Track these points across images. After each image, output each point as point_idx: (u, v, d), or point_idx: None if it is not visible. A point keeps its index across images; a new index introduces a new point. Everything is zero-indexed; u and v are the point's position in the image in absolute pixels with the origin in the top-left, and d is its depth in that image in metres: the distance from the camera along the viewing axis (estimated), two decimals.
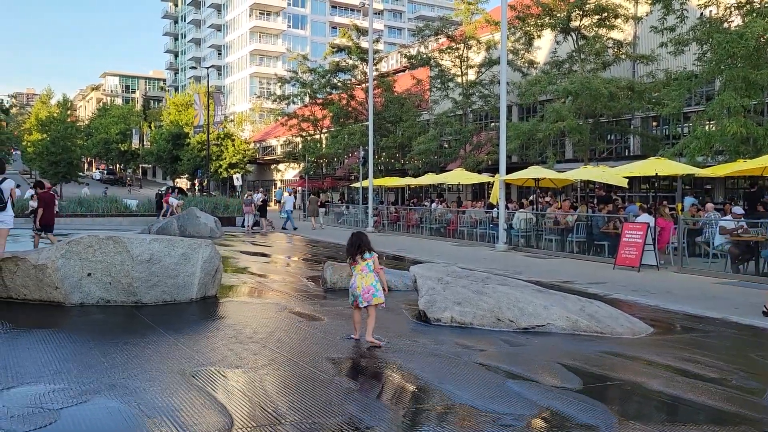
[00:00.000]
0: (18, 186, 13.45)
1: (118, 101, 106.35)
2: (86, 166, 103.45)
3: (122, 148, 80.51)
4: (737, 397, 4.94)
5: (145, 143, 76.98)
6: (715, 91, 22.38)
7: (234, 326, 7.16)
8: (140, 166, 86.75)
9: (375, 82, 33.95)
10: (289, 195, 29.12)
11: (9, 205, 9.27)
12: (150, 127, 79.13)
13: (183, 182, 71.65)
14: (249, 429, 3.98)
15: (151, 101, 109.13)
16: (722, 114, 17.38)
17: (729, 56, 17.30)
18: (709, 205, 16.55)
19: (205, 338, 6.67)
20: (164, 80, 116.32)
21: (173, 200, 26.60)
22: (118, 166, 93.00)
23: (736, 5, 19.04)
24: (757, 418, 4.43)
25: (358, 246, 6.36)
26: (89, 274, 8.11)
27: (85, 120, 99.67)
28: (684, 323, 8.15)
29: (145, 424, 4.00)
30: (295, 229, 26.52)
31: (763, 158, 13.98)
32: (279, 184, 64.57)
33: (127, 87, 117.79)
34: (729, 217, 14.29)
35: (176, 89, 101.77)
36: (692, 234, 15.25)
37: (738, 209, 14.88)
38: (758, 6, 17.65)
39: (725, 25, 19.09)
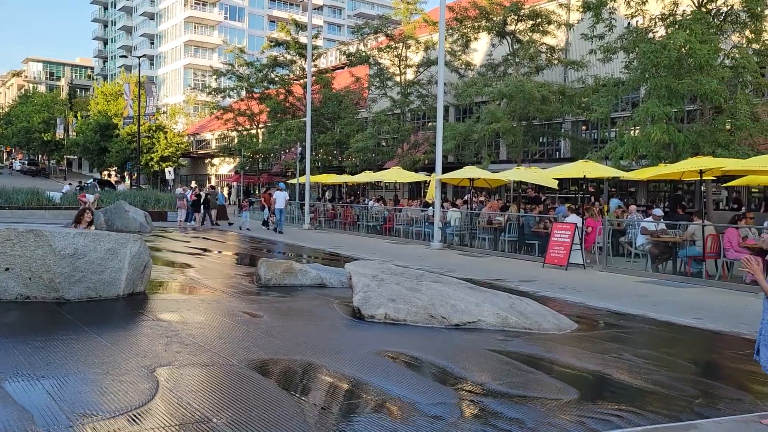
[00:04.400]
0: None
1: (42, 88, 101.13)
2: (5, 155, 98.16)
3: (45, 138, 76.67)
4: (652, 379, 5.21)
5: (70, 133, 73.59)
6: (640, 97, 23.44)
7: (162, 323, 6.96)
8: (65, 157, 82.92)
9: (313, 78, 33.70)
10: (281, 191, 24.27)
11: None
12: (76, 116, 75.68)
13: (112, 175, 69.09)
14: (174, 428, 3.88)
15: (78, 90, 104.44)
16: (647, 121, 18.20)
17: (653, 66, 18.12)
18: (632, 207, 17.31)
19: (130, 335, 6.46)
20: (92, 68, 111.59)
21: (89, 196, 25.79)
22: (40, 156, 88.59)
23: (660, 17, 19.99)
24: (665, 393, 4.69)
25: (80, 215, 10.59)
26: (7, 269, 7.71)
27: (5, 107, 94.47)
28: (607, 320, 8.50)
29: (63, 422, 3.84)
30: (280, 232, 23.06)
31: (681, 163, 14.72)
32: (213, 179, 63.25)
33: (52, 74, 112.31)
34: (650, 218, 15.01)
35: (105, 78, 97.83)
36: (616, 234, 15.93)
37: (658, 211, 15.63)
38: (680, 19, 18.58)
39: (650, 35, 20.01)
